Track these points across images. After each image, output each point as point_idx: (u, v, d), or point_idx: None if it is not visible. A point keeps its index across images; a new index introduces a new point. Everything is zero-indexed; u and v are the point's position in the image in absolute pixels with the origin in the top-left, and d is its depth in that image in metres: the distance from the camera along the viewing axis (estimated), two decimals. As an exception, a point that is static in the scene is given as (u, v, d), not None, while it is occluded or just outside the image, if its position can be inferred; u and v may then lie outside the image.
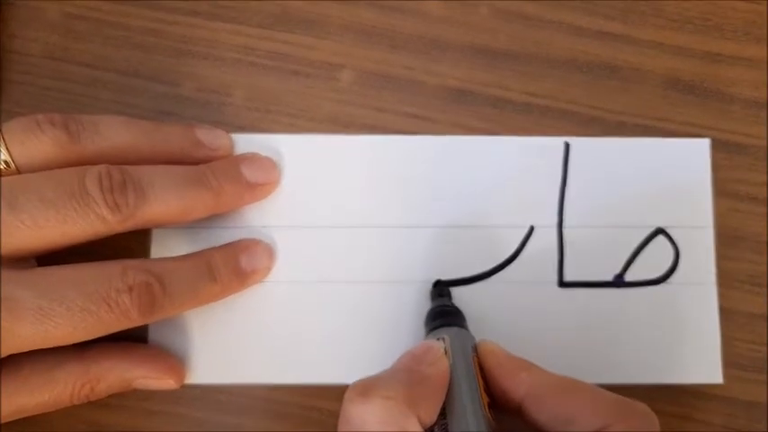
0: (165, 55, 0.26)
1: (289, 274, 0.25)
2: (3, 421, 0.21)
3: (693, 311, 0.25)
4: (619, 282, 0.25)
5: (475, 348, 0.21)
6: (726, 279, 0.25)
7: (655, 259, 0.25)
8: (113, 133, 0.22)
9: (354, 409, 0.18)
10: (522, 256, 0.25)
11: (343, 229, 0.25)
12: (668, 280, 0.25)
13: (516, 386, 0.20)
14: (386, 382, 0.18)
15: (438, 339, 0.21)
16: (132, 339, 0.24)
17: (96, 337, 0.20)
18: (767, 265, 0.25)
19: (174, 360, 0.24)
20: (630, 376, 0.24)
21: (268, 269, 0.24)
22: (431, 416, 0.18)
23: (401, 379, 0.19)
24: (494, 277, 0.25)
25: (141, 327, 0.24)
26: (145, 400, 0.24)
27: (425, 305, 0.24)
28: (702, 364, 0.25)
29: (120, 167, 0.21)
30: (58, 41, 0.26)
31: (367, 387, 0.18)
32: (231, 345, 0.24)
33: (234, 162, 0.24)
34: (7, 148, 0.21)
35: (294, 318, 0.24)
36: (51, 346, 0.20)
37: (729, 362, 0.25)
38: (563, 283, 0.25)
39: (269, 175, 0.24)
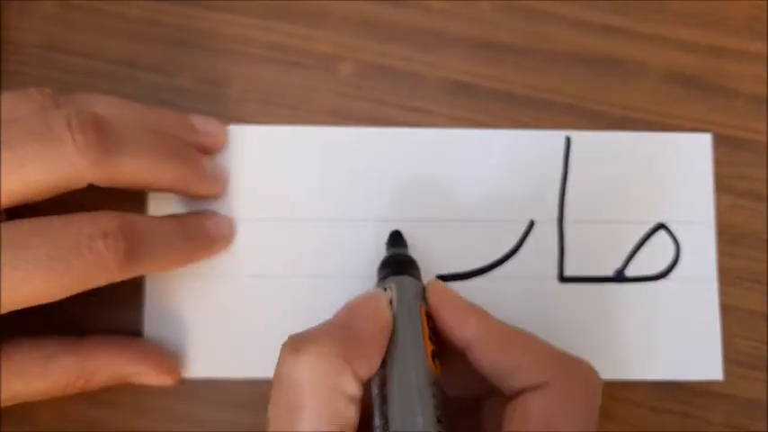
0: (163, 45, 0.26)
1: (286, 267, 0.24)
2: None
3: (694, 307, 0.25)
4: (619, 277, 0.25)
5: (423, 295, 0.20)
6: (727, 276, 0.25)
7: (655, 255, 0.25)
8: (104, 110, 0.21)
9: (285, 367, 0.17)
10: (522, 250, 0.25)
11: (342, 221, 0.25)
12: (669, 276, 0.25)
13: (462, 330, 0.19)
14: (319, 338, 0.18)
15: (385, 289, 0.20)
16: (127, 333, 0.24)
17: (72, 293, 0.19)
18: (768, 263, 0.25)
19: (171, 357, 0.23)
20: (630, 372, 0.24)
21: (231, 238, 0.24)
22: (370, 368, 0.18)
23: (335, 334, 0.18)
24: (493, 272, 0.25)
25: (134, 319, 0.24)
26: (140, 395, 0.24)
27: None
28: (703, 361, 0.25)
29: (95, 113, 0.20)
30: (54, 31, 0.26)
31: (299, 343, 0.18)
32: (227, 339, 0.24)
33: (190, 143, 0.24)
34: None
35: (290, 311, 0.24)
36: (22, 303, 0.19)
37: (730, 359, 0.25)
38: (563, 278, 0.25)
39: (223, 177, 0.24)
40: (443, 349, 0.20)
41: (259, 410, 0.24)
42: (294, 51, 0.26)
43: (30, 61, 0.26)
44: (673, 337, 0.25)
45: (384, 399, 0.18)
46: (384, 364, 0.19)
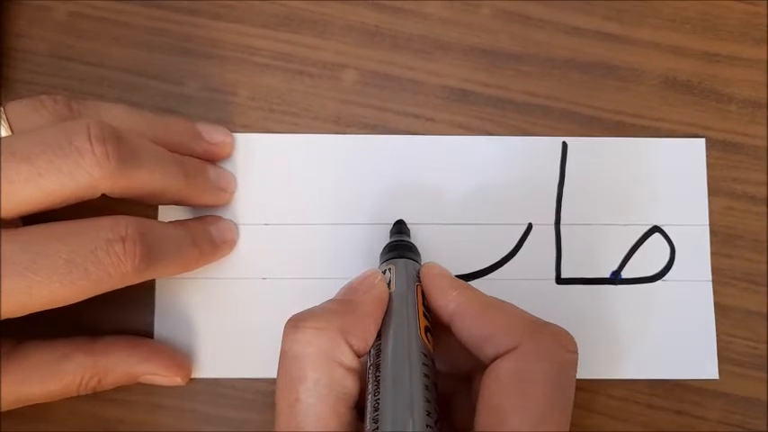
0: (170, 54, 0.26)
1: (291, 270, 0.25)
2: (10, 408, 0.21)
3: (689, 308, 0.25)
4: (615, 279, 0.25)
5: (419, 277, 0.22)
6: (723, 277, 0.25)
7: (651, 257, 0.25)
8: (114, 118, 0.21)
9: (286, 343, 0.18)
10: (521, 253, 0.25)
11: (344, 226, 0.25)
12: (664, 277, 0.25)
13: (446, 303, 0.20)
14: (317, 314, 0.19)
15: (385, 271, 0.21)
16: (138, 334, 0.24)
17: (89, 296, 0.19)
18: (766, 264, 0.26)
19: (182, 358, 0.24)
20: (627, 372, 0.25)
21: (234, 242, 0.25)
22: (365, 341, 0.19)
23: (332, 309, 0.19)
24: (492, 274, 0.25)
25: (145, 320, 0.25)
26: (150, 394, 0.24)
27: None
28: (698, 360, 0.25)
29: (112, 125, 0.20)
30: (63, 40, 0.26)
31: (299, 320, 0.19)
32: (235, 339, 0.24)
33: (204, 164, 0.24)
34: (9, 123, 0.20)
35: (296, 312, 0.25)
36: (40, 306, 0.19)
37: (727, 358, 0.25)
38: (560, 280, 0.25)
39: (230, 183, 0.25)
40: (437, 328, 0.21)
41: (266, 409, 0.24)
42: (299, 60, 0.26)
43: (39, 69, 0.26)
44: (669, 337, 0.25)
45: (378, 367, 0.19)
46: (380, 336, 0.20)
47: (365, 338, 0.19)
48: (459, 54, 0.27)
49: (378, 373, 0.18)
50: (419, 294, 0.21)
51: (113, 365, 0.22)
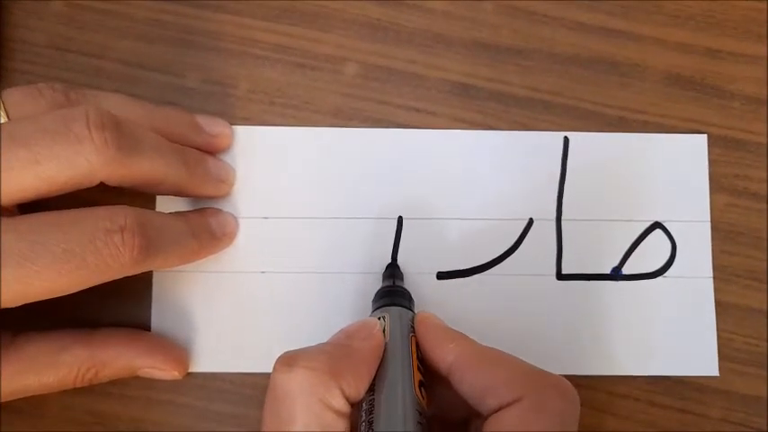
0: (170, 46, 0.26)
1: (289, 264, 0.25)
2: (5, 400, 0.21)
3: (690, 304, 0.25)
4: (616, 275, 0.25)
5: (413, 327, 0.21)
6: (724, 274, 0.25)
7: (652, 253, 0.25)
8: (113, 107, 0.21)
9: (278, 379, 0.18)
10: (521, 248, 0.25)
11: (344, 220, 0.25)
12: (665, 273, 0.25)
13: (444, 356, 0.20)
14: (310, 354, 0.19)
15: (379, 318, 0.21)
16: (135, 327, 0.24)
17: (86, 287, 0.19)
18: (766, 261, 0.25)
19: (180, 351, 0.24)
20: (627, 368, 0.25)
21: (234, 235, 0.25)
22: (357, 389, 0.19)
23: (327, 351, 0.19)
24: (493, 269, 0.25)
25: (142, 313, 0.24)
26: (147, 389, 0.24)
27: (424, 295, 0.24)
28: (699, 357, 0.25)
29: (111, 112, 0.20)
30: (62, 31, 0.26)
31: (292, 358, 0.18)
32: (232, 334, 0.24)
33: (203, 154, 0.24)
34: (6, 111, 0.20)
35: (295, 307, 0.25)
36: (38, 296, 0.19)
37: (728, 356, 0.25)
38: (561, 276, 0.25)
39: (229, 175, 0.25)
40: (431, 379, 0.20)
41: (262, 405, 0.24)
42: (299, 53, 0.26)
43: (38, 60, 0.26)
44: (669, 334, 0.25)
45: (370, 424, 0.18)
46: (373, 391, 0.19)
47: (357, 386, 0.19)
48: (462, 48, 0.26)
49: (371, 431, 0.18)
50: (413, 346, 0.20)
51: (111, 359, 0.22)
